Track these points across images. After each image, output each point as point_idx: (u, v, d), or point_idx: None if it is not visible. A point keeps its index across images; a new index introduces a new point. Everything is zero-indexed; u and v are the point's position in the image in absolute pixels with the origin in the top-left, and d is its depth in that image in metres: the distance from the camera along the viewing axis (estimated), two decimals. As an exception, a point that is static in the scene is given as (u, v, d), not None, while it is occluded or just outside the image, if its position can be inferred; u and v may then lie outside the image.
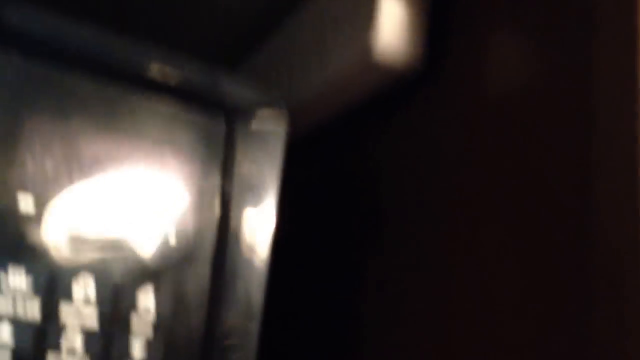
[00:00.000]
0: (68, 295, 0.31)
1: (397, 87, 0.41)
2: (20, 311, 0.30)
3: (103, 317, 0.31)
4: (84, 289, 0.31)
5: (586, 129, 0.30)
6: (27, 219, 0.30)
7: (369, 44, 0.38)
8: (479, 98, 0.37)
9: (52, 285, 0.30)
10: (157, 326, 0.32)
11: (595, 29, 0.31)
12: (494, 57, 0.37)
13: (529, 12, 0.35)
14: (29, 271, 0.30)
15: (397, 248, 0.40)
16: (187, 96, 0.36)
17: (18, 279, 0.30)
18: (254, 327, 0.35)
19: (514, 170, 0.33)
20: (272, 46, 0.50)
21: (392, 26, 0.38)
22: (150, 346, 0.32)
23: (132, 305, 0.32)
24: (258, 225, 0.36)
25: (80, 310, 0.31)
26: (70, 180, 0.32)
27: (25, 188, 0.30)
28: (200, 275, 0.34)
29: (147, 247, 0.33)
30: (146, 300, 0.33)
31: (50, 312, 0.30)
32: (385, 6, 0.38)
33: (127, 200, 0.33)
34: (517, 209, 0.33)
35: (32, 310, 0.30)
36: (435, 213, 0.38)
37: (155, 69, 0.34)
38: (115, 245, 0.32)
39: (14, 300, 0.29)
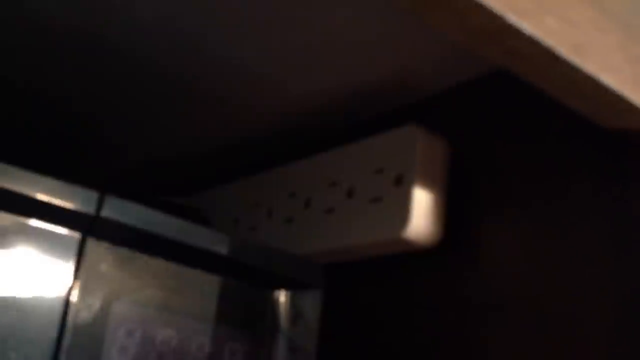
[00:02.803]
0: None
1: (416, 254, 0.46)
2: None
3: None
4: None
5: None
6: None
7: (402, 225, 0.43)
8: (485, 270, 0.44)
9: None
10: None
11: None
12: (496, 241, 0.43)
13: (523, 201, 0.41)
14: None
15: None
16: (242, 270, 0.40)
17: None
18: None
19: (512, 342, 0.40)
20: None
21: (419, 213, 0.43)
22: None
23: None
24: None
25: None
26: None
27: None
28: None
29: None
30: None
31: None
32: (416, 197, 0.43)
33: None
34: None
35: None
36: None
37: (223, 250, 0.38)
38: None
39: None
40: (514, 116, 0.45)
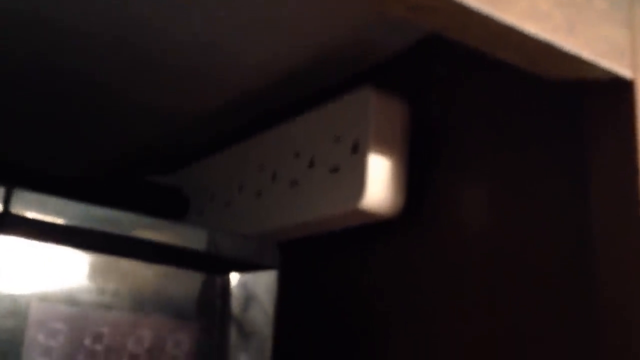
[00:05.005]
0: None
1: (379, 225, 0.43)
2: None
3: None
4: None
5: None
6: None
7: (358, 196, 0.41)
8: (450, 237, 0.41)
9: None
10: None
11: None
12: (461, 207, 0.41)
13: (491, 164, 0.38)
14: None
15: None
16: (184, 256, 0.38)
17: None
18: None
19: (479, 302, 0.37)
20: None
21: (376, 182, 0.41)
22: None
23: None
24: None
25: None
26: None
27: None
28: None
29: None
30: None
31: None
32: (372, 165, 0.41)
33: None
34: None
35: None
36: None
37: (156, 235, 0.36)
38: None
39: None
40: (478, 74, 0.42)
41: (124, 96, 0.57)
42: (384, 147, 0.42)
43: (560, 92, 0.36)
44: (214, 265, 0.39)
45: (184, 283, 0.38)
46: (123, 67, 0.52)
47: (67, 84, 0.55)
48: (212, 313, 0.39)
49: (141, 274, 0.37)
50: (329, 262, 0.49)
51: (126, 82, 0.55)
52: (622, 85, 0.31)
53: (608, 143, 0.33)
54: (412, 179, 0.43)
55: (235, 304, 0.39)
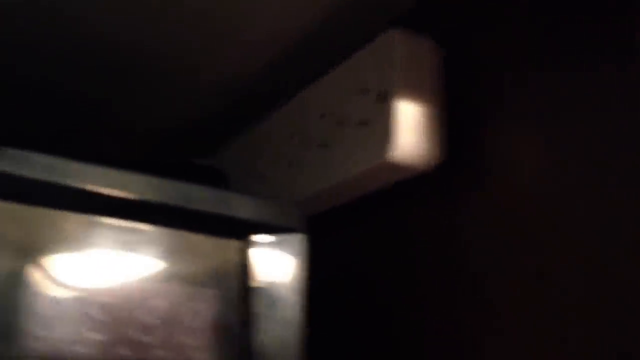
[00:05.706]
0: None
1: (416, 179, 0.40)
2: None
3: None
4: None
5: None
6: None
7: (387, 147, 0.37)
8: (494, 191, 0.37)
9: None
10: None
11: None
12: (508, 155, 0.36)
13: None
14: None
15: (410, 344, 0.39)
16: (205, 221, 0.35)
17: None
18: None
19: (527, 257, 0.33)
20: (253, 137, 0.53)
21: (406, 131, 0.37)
22: None
23: None
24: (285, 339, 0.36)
25: None
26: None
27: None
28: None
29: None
30: None
31: None
32: (400, 113, 0.38)
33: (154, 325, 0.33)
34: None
35: None
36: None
37: (166, 197, 0.33)
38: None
39: None
40: (520, 9, 0.37)
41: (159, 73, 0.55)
42: (414, 94, 0.38)
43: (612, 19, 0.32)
44: (232, 229, 0.36)
45: (201, 248, 0.35)
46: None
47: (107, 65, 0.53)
48: (233, 280, 0.36)
49: (153, 239, 0.34)
50: (366, 229, 0.45)
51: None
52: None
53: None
54: (453, 128, 0.39)
55: (259, 270, 0.36)
